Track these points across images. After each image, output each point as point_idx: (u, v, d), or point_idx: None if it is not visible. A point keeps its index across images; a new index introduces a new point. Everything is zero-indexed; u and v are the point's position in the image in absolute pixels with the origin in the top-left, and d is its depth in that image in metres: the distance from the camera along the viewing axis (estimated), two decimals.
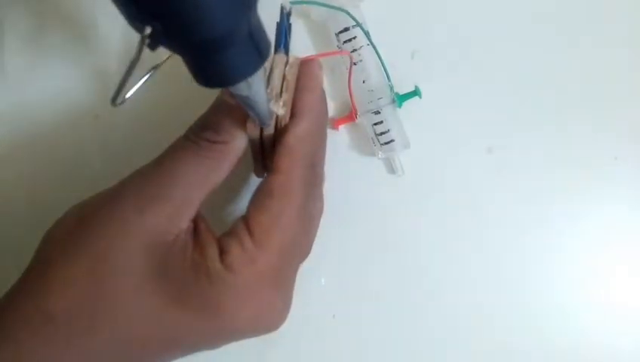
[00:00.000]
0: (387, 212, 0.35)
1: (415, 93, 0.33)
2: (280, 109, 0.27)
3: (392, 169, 0.35)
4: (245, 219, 0.26)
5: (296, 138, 0.26)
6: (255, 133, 0.27)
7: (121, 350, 0.25)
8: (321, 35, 0.35)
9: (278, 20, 0.31)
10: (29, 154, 0.35)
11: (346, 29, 0.33)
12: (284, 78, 0.28)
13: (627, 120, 0.36)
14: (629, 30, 0.36)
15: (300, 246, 0.28)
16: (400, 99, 0.34)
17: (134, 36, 0.18)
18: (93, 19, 0.35)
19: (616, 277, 0.35)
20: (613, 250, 0.35)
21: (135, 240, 0.24)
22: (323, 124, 0.30)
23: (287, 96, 0.27)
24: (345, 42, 0.34)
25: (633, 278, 0.35)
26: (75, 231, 0.25)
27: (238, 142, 0.27)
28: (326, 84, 0.34)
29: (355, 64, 0.34)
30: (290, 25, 0.31)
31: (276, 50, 0.29)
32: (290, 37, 0.30)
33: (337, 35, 0.34)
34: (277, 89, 0.27)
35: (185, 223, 0.26)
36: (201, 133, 0.26)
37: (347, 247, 0.35)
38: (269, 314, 0.26)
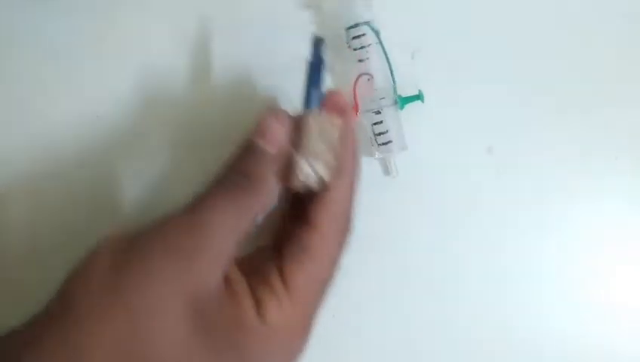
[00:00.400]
0: (387, 212, 0.35)
1: (418, 97, 0.34)
2: (324, 173, 0.26)
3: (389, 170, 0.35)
4: (280, 271, 0.26)
5: (336, 199, 0.27)
6: (298, 187, 0.26)
7: None
8: (331, 29, 0.35)
9: (310, 57, 0.28)
10: (28, 154, 0.35)
11: (357, 25, 0.33)
12: (325, 138, 0.27)
13: (627, 120, 0.36)
14: (629, 29, 0.36)
15: (328, 290, 0.28)
16: (402, 101, 0.34)
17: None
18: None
19: (617, 277, 0.35)
20: (613, 249, 0.35)
21: (175, 298, 0.24)
22: (358, 177, 0.30)
23: (331, 159, 0.27)
24: (354, 38, 0.34)
25: (633, 278, 0.35)
26: (111, 283, 0.24)
27: (269, 188, 0.26)
28: (329, 81, 0.34)
29: (361, 61, 0.34)
30: (323, 61, 0.28)
31: (309, 103, 0.27)
32: (324, 76, 0.28)
33: (347, 30, 0.34)
34: (319, 149, 0.26)
35: (220, 275, 0.25)
36: (233, 177, 0.26)
37: (347, 247, 0.35)
38: (294, 356, 0.27)
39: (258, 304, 0.25)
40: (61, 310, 0.25)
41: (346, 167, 0.28)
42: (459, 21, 0.36)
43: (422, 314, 0.35)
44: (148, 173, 0.35)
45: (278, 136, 0.26)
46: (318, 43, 0.28)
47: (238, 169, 0.26)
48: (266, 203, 0.26)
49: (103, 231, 0.27)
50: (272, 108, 0.26)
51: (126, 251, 0.25)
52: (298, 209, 0.28)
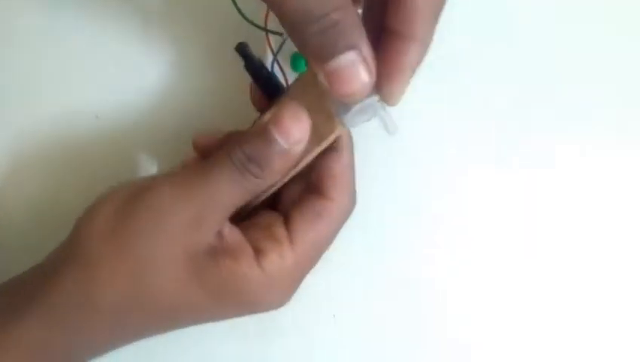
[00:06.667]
0: (386, 212, 0.35)
1: None
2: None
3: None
4: (288, 227, 0.28)
5: (346, 167, 0.29)
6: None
7: (152, 328, 0.28)
8: None
9: (245, 63, 0.29)
10: (26, 154, 0.35)
11: None
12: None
13: (628, 119, 0.35)
14: (628, 28, 0.36)
15: (323, 253, 0.30)
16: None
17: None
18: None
19: (621, 278, 0.35)
20: (614, 251, 0.35)
21: (178, 249, 0.26)
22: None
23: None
24: None
25: (635, 277, 0.35)
26: (119, 230, 0.26)
27: (275, 179, 0.27)
28: None
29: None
30: (254, 59, 0.30)
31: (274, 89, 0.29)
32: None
33: None
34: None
35: (217, 232, 0.27)
36: (244, 161, 0.26)
37: (347, 247, 0.35)
38: (282, 303, 0.29)
39: (258, 253, 0.27)
40: (71, 255, 0.27)
41: (347, 140, 0.29)
42: (458, 20, 0.36)
43: (422, 313, 0.35)
44: (147, 173, 0.35)
45: (294, 133, 0.26)
46: (241, 49, 0.30)
47: (250, 155, 0.26)
48: (268, 187, 0.28)
49: None
50: (293, 104, 0.26)
51: (133, 199, 0.27)
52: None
